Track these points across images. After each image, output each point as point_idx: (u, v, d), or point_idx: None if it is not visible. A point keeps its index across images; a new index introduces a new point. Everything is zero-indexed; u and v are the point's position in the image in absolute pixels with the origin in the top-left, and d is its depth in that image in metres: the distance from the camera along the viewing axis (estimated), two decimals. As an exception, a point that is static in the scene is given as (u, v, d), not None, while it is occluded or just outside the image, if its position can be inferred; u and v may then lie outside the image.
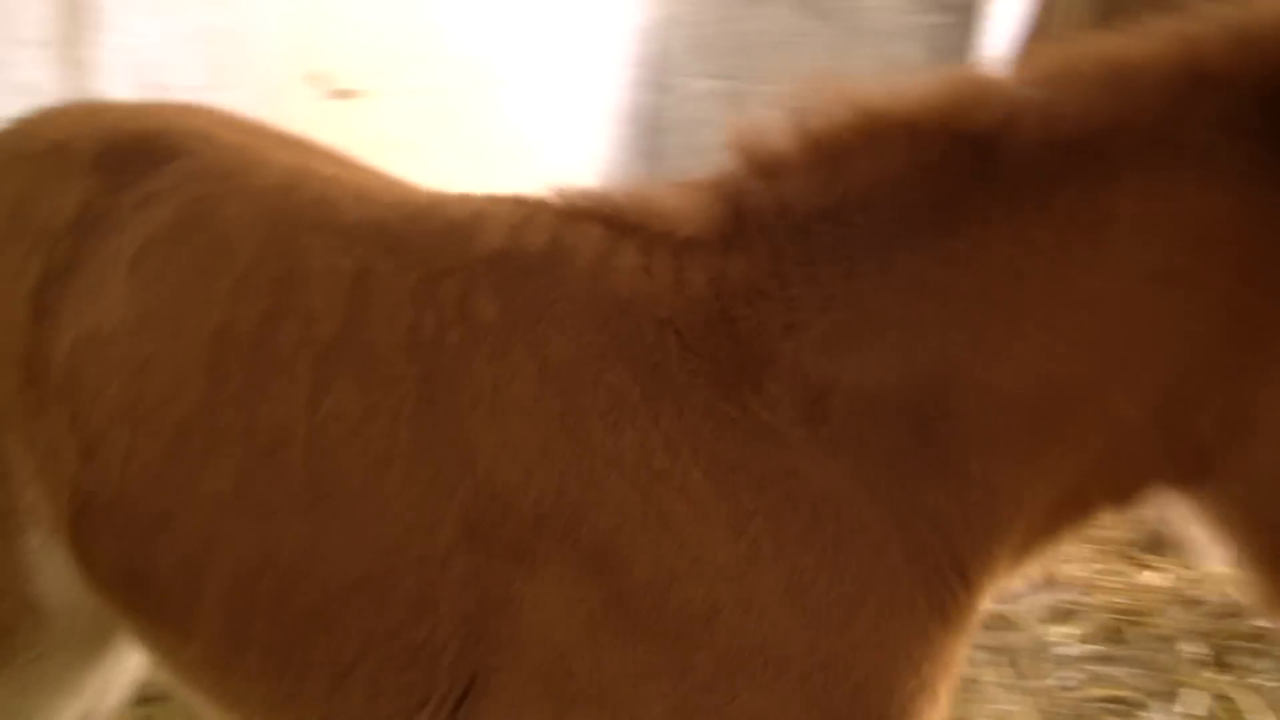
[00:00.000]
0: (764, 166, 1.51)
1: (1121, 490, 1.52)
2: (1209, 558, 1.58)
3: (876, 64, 4.80)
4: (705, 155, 1.64)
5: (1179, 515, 1.58)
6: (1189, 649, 3.90)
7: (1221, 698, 3.65)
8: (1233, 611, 4.01)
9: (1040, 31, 3.84)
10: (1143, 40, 1.41)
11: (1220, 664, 3.81)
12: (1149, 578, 4.27)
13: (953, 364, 1.43)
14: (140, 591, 1.70)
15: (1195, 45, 1.37)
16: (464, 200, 1.65)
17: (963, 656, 1.53)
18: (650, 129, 5.21)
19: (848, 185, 1.45)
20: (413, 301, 1.51)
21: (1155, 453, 1.46)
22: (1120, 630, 4.02)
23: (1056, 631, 3.97)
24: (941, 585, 1.45)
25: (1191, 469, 1.46)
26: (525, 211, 1.58)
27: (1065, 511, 1.52)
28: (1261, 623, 4.06)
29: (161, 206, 1.73)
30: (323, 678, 1.57)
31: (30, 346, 1.79)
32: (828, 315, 1.45)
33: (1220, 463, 1.43)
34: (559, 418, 1.44)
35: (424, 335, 1.49)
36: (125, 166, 1.80)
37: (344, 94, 4.56)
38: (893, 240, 1.43)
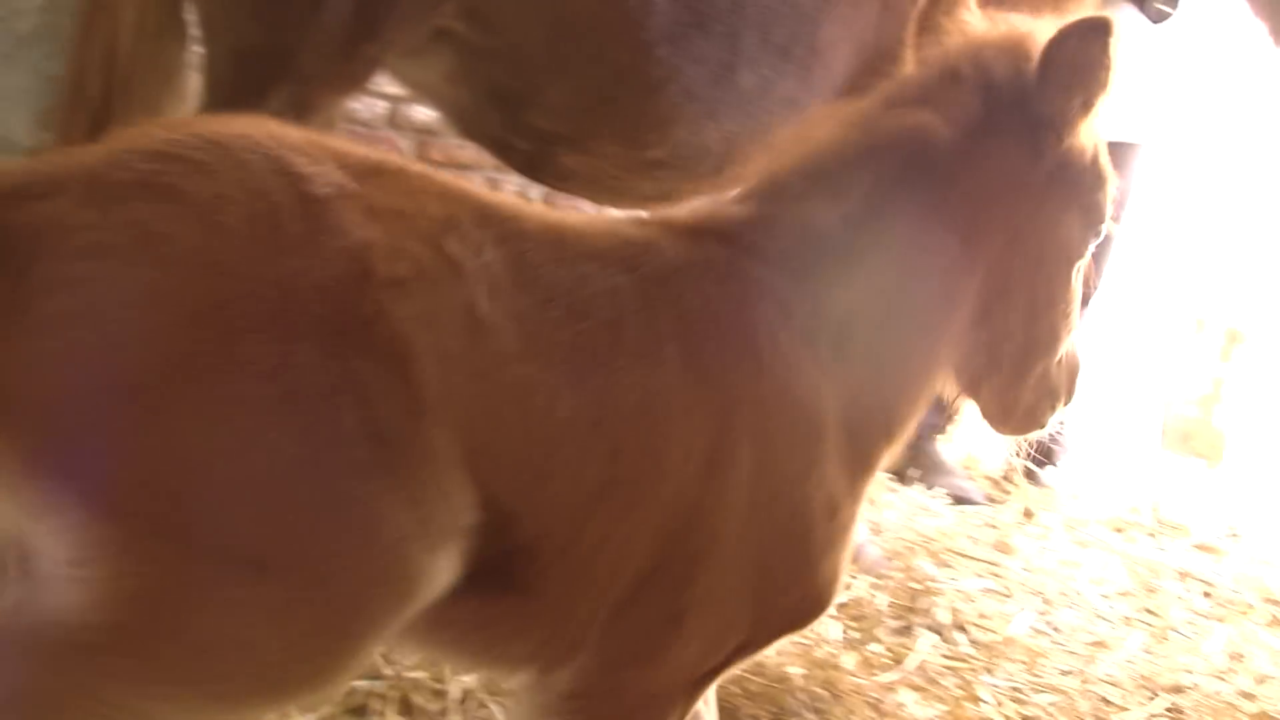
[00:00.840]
0: (781, 189, 2.19)
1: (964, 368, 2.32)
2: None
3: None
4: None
5: None
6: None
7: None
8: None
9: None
10: (956, 60, 2.19)
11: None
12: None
13: (894, 294, 2.14)
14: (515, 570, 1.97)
15: (988, 74, 2.15)
16: (629, 224, 2.21)
17: (870, 490, 2.27)
18: None
19: (847, 198, 2.13)
20: (660, 301, 2.02)
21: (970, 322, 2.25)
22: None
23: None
24: (866, 456, 2.16)
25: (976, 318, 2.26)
26: (663, 232, 2.15)
27: (939, 382, 2.30)
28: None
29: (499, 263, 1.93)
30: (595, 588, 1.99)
31: None
32: (816, 259, 2.11)
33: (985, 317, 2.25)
34: (719, 355, 2.02)
35: (666, 325, 1.99)
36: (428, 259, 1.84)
37: None
38: (852, 237, 2.12)
